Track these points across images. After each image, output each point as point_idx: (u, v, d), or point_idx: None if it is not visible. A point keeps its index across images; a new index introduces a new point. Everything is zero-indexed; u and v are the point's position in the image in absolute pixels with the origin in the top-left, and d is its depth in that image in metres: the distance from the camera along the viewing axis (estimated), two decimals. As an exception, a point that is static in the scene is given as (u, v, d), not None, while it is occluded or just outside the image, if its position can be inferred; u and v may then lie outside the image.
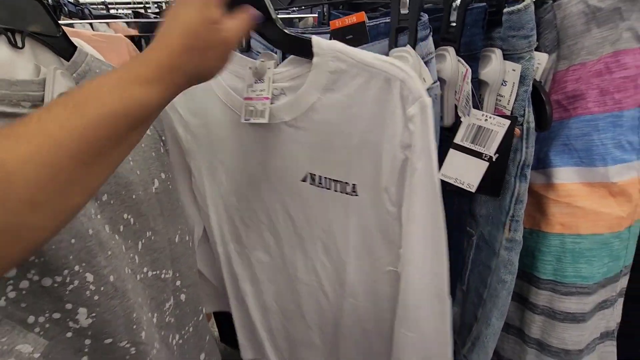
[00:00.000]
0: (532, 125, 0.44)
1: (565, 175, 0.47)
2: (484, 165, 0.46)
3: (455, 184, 0.48)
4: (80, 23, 0.80)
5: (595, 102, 0.43)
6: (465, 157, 0.47)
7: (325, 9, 0.80)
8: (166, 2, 1.63)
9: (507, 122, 0.44)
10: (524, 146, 0.44)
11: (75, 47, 0.37)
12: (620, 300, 0.52)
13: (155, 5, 1.66)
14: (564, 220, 0.47)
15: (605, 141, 0.44)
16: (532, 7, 0.39)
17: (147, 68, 0.29)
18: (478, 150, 0.46)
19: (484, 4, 0.42)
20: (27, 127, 0.24)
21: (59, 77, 0.34)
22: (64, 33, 0.37)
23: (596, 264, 0.46)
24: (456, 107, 0.46)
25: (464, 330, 0.59)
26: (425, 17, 0.41)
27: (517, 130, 0.44)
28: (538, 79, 0.48)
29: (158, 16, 1.29)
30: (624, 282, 0.50)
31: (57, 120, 0.25)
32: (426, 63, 0.41)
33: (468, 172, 0.47)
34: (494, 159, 0.45)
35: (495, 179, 0.46)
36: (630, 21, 0.40)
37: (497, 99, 0.46)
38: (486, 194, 0.48)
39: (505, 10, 0.40)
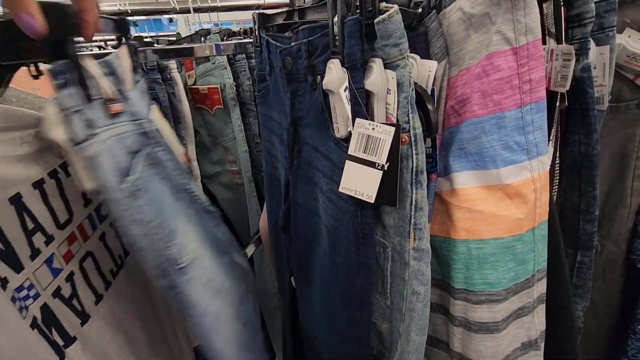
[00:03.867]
0: (419, 131, 0.44)
1: (464, 180, 0.46)
2: (379, 174, 0.45)
3: (356, 195, 0.47)
4: None
5: (478, 104, 0.43)
6: (361, 168, 0.46)
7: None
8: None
9: (393, 129, 0.43)
10: (414, 152, 0.44)
11: None
12: (541, 307, 0.49)
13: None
14: (467, 226, 0.46)
15: (493, 143, 0.43)
16: (398, 16, 0.40)
17: None
18: (371, 159, 0.46)
19: (357, 16, 0.42)
20: None
21: None
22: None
23: (501, 269, 0.45)
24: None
25: (393, 347, 0.56)
26: None
27: (404, 137, 0.44)
28: (431, 86, 0.48)
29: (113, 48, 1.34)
30: (540, 287, 0.48)
31: None
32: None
33: (365, 183, 0.46)
34: (386, 168, 0.45)
35: (390, 187, 0.45)
36: (497, 24, 0.40)
37: (386, 107, 0.46)
38: (385, 203, 0.47)
39: (375, 21, 0.41)
